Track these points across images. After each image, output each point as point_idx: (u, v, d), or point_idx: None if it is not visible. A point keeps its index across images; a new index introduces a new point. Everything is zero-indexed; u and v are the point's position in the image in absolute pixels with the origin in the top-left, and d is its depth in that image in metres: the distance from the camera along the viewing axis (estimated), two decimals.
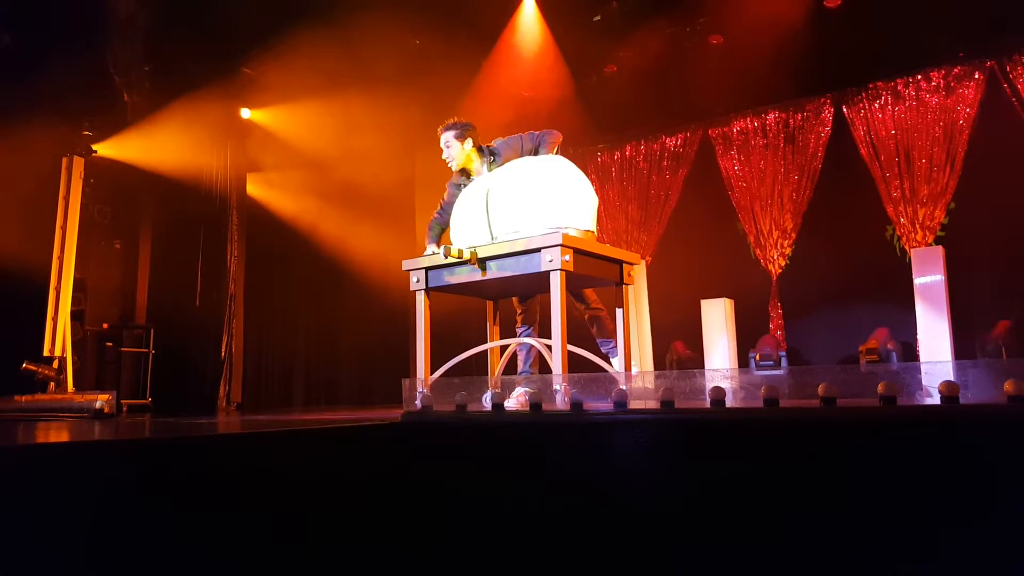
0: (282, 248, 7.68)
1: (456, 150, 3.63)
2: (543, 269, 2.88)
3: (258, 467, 1.85)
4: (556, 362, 2.85)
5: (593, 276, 3.16)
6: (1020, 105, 6.14)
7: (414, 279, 3.28)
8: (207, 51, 6.38)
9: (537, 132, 3.69)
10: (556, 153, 3.58)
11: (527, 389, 2.82)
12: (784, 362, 6.70)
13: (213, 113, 6.69)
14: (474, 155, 3.66)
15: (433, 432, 2.29)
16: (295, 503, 1.86)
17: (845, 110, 7.02)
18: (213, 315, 6.93)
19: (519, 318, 3.84)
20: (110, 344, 6.42)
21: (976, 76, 6.42)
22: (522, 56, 7.16)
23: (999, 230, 6.09)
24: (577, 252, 2.94)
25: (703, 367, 6.85)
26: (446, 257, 3.03)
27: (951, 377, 1.63)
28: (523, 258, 2.96)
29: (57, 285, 5.50)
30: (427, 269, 3.25)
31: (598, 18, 7.01)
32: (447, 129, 3.66)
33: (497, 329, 3.71)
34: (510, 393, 2.80)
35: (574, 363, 2.93)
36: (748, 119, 7.56)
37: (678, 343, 7.45)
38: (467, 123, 3.67)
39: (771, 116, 7.44)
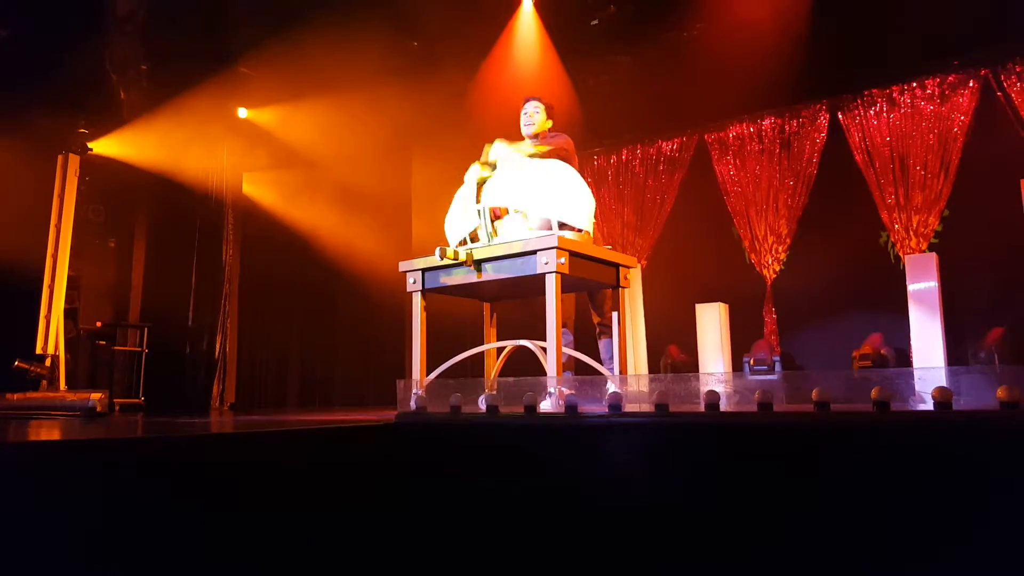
0: (277, 248, 7.67)
1: (540, 120, 3.77)
2: (538, 271, 2.87)
3: (251, 467, 1.84)
4: (551, 364, 2.85)
5: (589, 279, 3.16)
6: (1014, 113, 6.17)
7: (410, 280, 3.28)
8: (204, 50, 6.38)
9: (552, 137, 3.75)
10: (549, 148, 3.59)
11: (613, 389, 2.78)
12: (778, 367, 6.70)
13: (209, 112, 6.69)
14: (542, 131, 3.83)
15: (427, 433, 2.28)
16: (288, 503, 1.86)
17: (841, 117, 7.04)
18: (207, 314, 6.91)
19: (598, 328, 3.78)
20: (103, 343, 6.40)
21: (971, 84, 6.45)
22: (519, 60, 7.16)
23: (992, 237, 6.10)
24: (573, 255, 2.94)
25: (697, 371, 6.86)
26: (442, 259, 3.03)
27: (944, 383, 1.63)
28: (519, 260, 2.96)
29: (50, 283, 5.47)
30: (423, 270, 3.25)
31: (595, 22, 7.02)
32: (541, 100, 3.81)
33: (493, 331, 3.70)
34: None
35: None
36: (744, 124, 7.57)
37: (672, 347, 7.45)
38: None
39: (767, 122, 7.46)
